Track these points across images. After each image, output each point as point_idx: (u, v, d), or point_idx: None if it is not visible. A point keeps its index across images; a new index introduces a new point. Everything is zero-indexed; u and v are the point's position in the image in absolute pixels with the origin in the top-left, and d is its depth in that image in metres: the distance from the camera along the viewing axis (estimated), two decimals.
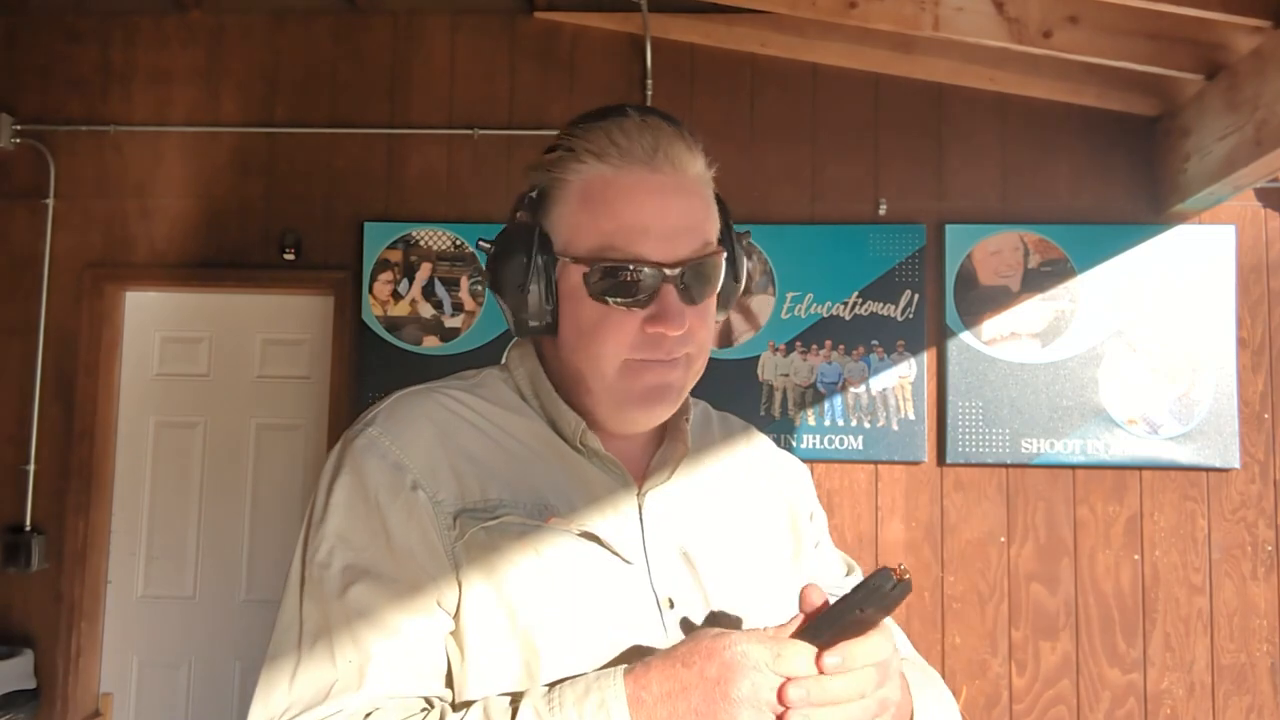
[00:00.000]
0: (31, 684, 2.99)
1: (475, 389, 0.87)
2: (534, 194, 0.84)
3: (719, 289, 0.86)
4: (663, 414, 0.85)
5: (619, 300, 0.79)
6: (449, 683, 0.78)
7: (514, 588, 0.77)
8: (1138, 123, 3.03)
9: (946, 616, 2.93)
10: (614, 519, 0.82)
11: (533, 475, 0.83)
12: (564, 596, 0.78)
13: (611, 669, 0.70)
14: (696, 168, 0.83)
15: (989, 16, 2.59)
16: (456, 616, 0.77)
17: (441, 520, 0.78)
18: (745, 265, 0.90)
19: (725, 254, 0.85)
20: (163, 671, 3.19)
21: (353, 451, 0.81)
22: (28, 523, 3.05)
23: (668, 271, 0.78)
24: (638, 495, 0.84)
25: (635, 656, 0.73)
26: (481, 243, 0.87)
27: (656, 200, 0.79)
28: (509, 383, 0.89)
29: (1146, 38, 2.58)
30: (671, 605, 0.81)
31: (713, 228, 0.84)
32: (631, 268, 0.78)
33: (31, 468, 3.08)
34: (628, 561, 0.81)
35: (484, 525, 0.78)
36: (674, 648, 0.70)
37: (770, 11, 2.84)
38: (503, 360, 0.92)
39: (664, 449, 0.88)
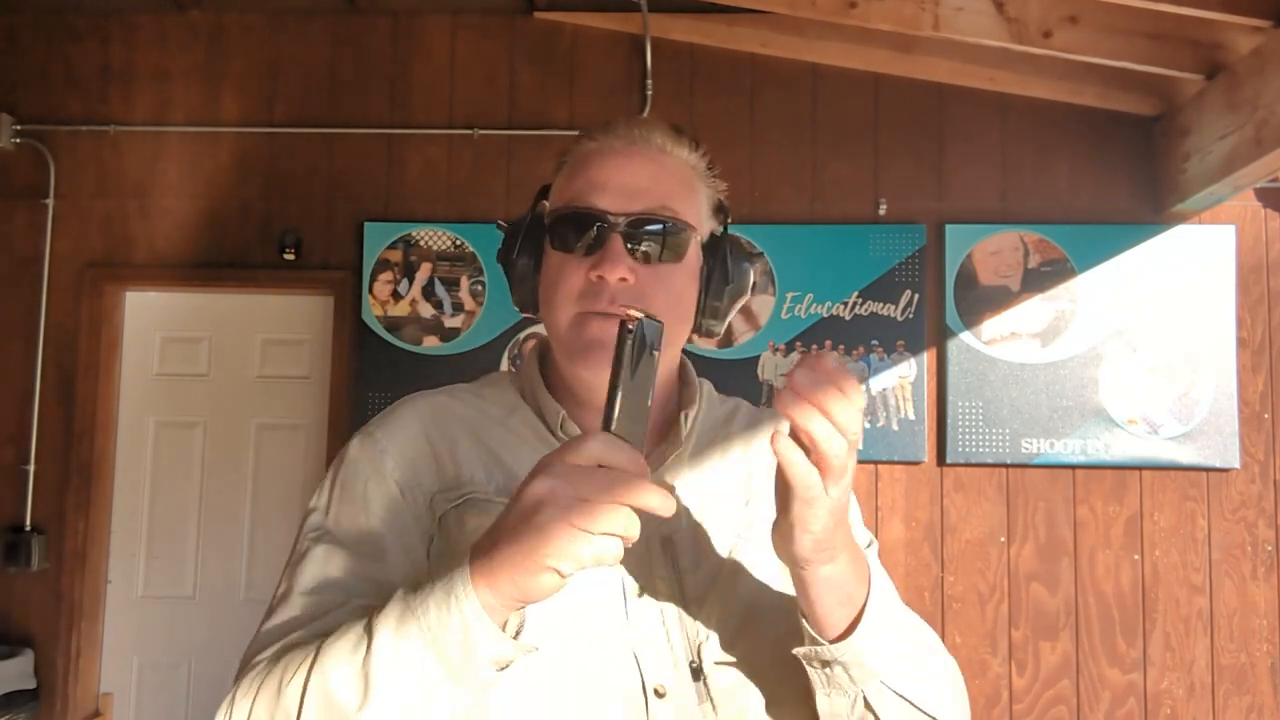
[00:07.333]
0: (31, 684, 2.99)
1: (480, 389, 0.95)
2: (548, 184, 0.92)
3: (692, 268, 0.87)
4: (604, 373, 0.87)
5: (571, 248, 0.84)
6: None
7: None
8: (1138, 123, 3.03)
9: (946, 616, 2.93)
10: None
11: (513, 460, 0.87)
12: None
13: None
14: (677, 150, 0.89)
15: (989, 16, 2.59)
16: None
17: (420, 500, 0.84)
18: (744, 270, 0.91)
19: (695, 233, 0.87)
20: (163, 671, 3.19)
21: (350, 445, 0.90)
22: (28, 523, 3.05)
23: (612, 219, 0.83)
24: None
25: (590, 634, 0.79)
26: (500, 224, 0.95)
27: (620, 160, 0.86)
28: (514, 382, 0.95)
29: (1146, 38, 2.58)
30: (640, 594, 0.82)
31: (684, 204, 0.87)
32: (581, 213, 0.84)
33: (31, 468, 3.08)
34: None
35: (452, 505, 0.83)
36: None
37: (770, 11, 2.84)
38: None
39: (664, 444, 0.89)
